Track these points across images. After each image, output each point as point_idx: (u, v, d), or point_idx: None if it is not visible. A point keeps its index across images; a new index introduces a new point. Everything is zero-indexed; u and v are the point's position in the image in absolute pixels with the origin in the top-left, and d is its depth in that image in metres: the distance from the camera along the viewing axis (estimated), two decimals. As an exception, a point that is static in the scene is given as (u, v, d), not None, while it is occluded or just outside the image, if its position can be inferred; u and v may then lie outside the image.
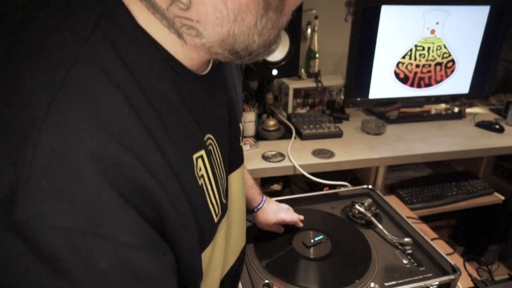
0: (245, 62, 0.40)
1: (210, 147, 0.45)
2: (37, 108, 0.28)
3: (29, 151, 0.27)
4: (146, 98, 0.34)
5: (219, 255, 0.51)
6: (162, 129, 0.35)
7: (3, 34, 0.32)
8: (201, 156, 0.42)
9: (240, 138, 0.60)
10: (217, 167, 0.47)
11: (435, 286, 0.79)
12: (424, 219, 1.32)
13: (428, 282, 0.79)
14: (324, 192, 1.14)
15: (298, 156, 1.30)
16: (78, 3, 0.32)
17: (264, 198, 0.90)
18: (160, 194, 0.34)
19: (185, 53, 0.37)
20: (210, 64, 0.44)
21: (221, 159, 0.49)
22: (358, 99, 1.64)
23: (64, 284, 0.28)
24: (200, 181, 0.42)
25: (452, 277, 0.80)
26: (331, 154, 1.33)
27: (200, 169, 0.42)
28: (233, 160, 0.56)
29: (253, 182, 0.88)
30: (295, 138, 1.43)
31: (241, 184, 0.61)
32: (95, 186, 0.29)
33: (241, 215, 0.63)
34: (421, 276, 0.82)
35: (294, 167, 1.25)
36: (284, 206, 0.96)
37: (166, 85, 0.36)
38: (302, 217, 0.96)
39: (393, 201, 1.28)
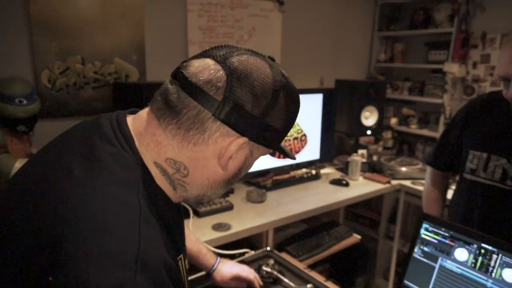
0: None
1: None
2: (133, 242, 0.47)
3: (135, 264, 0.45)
4: (162, 221, 0.54)
5: None
6: (169, 239, 0.56)
7: (77, 185, 0.50)
8: (181, 259, 0.62)
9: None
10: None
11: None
12: (310, 267, 1.58)
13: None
14: (235, 261, 1.29)
15: (201, 233, 1.42)
16: (126, 170, 0.52)
17: (218, 260, 1.07)
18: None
19: (174, 196, 0.60)
20: None
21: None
22: (239, 173, 1.89)
23: None
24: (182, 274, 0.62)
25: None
26: (228, 226, 1.50)
27: (182, 268, 0.62)
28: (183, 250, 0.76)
29: (207, 250, 1.05)
30: (193, 217, 1.55)
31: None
32: (159, 271, 0.48)
33: None
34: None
35: (200, 244, 1.36)
36: (245, 266, 1.10)
37: (167, 213, 0.57)
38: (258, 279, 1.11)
39: (285, 257, 1.51)
